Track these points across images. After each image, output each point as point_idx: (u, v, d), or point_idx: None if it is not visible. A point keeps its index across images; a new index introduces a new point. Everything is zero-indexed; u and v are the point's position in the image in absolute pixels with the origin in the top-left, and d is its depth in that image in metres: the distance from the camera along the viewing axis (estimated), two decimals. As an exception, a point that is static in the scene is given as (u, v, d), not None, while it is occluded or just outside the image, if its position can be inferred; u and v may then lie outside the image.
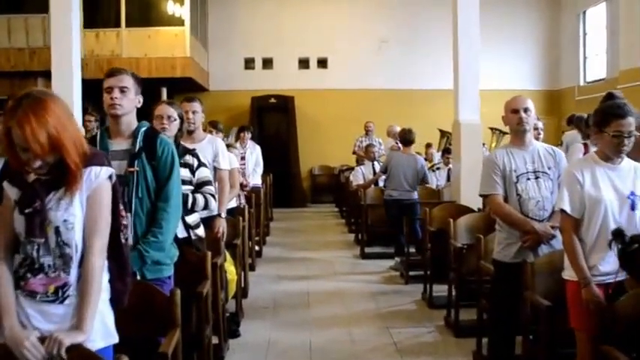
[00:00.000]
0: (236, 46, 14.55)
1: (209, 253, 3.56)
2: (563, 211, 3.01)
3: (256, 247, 8.04)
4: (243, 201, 7.17)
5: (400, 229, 7.10)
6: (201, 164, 3.89)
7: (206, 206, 3.83)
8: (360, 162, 10.85)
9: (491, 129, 11.50)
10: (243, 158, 8.55)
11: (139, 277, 2.81)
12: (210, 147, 4.69)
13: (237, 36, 14.53)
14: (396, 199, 7.16)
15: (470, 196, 6.38)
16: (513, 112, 3.57)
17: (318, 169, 14.70)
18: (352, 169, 11.77)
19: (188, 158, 3.84)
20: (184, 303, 3.14)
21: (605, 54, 13.02)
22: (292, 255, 8.22)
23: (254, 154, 8.65)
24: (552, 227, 3.45)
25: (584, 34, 14.03)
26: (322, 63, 14.72)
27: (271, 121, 14.50)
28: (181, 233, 3.67)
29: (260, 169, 8.70)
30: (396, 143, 8.95)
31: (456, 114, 6.68)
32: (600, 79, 13.16)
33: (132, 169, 2.87)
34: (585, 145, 5.30)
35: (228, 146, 7.29)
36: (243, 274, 5.95)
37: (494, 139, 11.85)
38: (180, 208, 3.01)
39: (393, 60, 14.36)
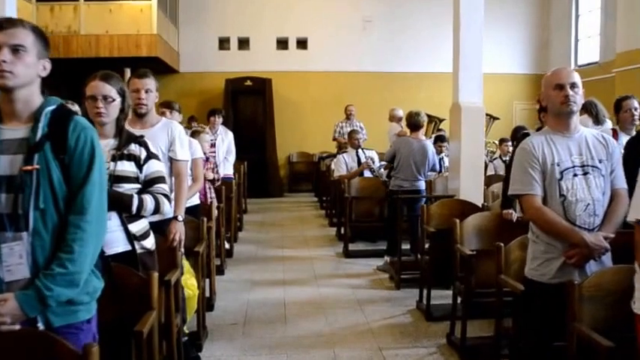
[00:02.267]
0: (209, 25, 13.66)
1: (154, 276, 2.68)
2: (641, 222, 2.23)
3: (227, 245, 7.18)
4: (212, 195, 6.29)
5: (398, 222, 6.29)
6: (151, 155, 3.00)
7: (157, 210, 2.95)
8: (341, 149, 10.02)
9: (486, 115, 10.72)
10: (213, 145, 7.63)
11: (41, 326, 1.94)
12: (165, 133, 3.82)
13: (210, 13, 13.62)
14: (407, 189, 6.39)
15: (471, 190, 5.62)
16: (557, 87, 2.74)
17: (297, 157, 13.85)
18: (333, 156, 10.98)
19: (134, 148, 2.95)
20: (121, 344, 2.32)
21: (599, 36, 12.31)
22: (267, 254, 7.36)
23: (226, 141, 7.73)
24: (605, 238, 2.64)
25: (577, 15, 13.30)
26: (302, 43, 13.86)
27: (247, 105, 13.61)
28: (123, 246, 2.81)
29: (232, 158, 7.79)
30: (402, 128, 8.18)
31: (456, 95, 5.86)
32: (593, 63, 12.48)
33: (29, 168, 1.97)
34: (614, 132, 4.52)
35: (195, 133, 6.45)
36: (209, 281, 5.11)
37: (489, 125, 11.10)
38: (103, 224, 2.09)
39: (378, 41, 13.56)
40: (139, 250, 2.90)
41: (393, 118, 9.36)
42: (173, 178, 3.83)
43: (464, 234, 4.19)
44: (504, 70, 13.56)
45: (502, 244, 3.37)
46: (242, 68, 13.32)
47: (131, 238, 2.86)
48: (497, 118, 11.44)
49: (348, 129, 10.67)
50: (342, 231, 7.83)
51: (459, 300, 4.23)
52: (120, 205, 2.79)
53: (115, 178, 2.83)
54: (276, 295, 5.55)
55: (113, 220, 2.78)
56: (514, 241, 3.39)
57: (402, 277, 5.73)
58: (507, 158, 8.21)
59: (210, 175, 6.33)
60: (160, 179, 3.01)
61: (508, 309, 3.42)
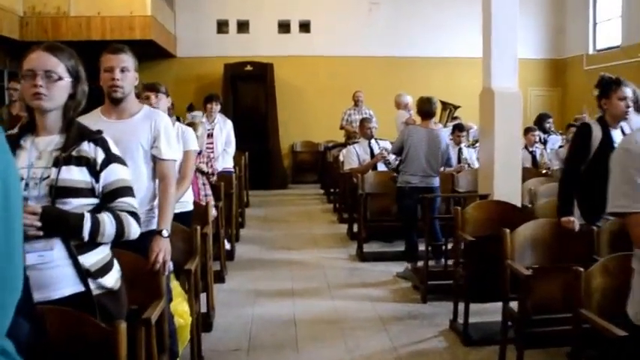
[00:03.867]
0: (207, 7, 12.81)
1: (121, 329, 1.93)
2: None
3: (227, 246, 6.45)
4: (208, 192, 5.54)
5: (414, 226, 5.57)
6: (111, 158, 2.25)
7: (120, 233, 2.22)
8: (350, 139, 9.27)
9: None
10: (210, 136, 6.89)
11: None
12: (147, 125, 3.06)
13: (208, -5, 12.78)
14: (416, 186, 5.58)
15: (508, 188, 4.86)
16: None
17: (301, 146, 13.07)
18: (341, 145, 10.24)
19: (87, 148, 2.20)
20: None
21: (620, 19, 11.48)
22: (273, 256, 6.62)
23: (224, 130, 6.96)
24: None
25: (595, -5, 12.48)
26: (305, 27, 13.03)
27: (247, 92, 12.80)
28: (72, 286, 2.08)
29: (232, 149, 7.01)
30: (411, 116, 7.36)
31: (487, 80, 5.09)
32: (614, 47, 11.64)
33: None
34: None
35: (192, 126, 5.68)
36: (205, 296, 4.38)
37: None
38: (9, 264, 1.31)
39: (385, 23, 12.73)
40: (95, 291, 2.15)
41: (400, 105, 8.52)
42: (157, 182, 3.09)
43: (515, 246, 3.45)
44: (518, 55, 12.70)
45: (582, 269, 2.60)
46: (242, 53, 12.51)
47: (84, 274, 2.11)
48: (458, 107, 10.42)
49: (357, 116, 9.94)
50: (354, 229, 7.11)
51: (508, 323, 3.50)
52: (65, 228, 2.06)
53: (59, 191, 2.09)
54: (285, 310, 4.81)
55: (57, 251, 2.05)
56: (596, 266, 2.64)
57: (429, 287, 5.00)
58: (535, 149, 7.45)
59: (204, 168, 5.57)
60: (125, 191, 2.25)
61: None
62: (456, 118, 8.61)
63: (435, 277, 5.05)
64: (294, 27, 12.97)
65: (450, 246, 5.49)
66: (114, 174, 2.24)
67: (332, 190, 10.06)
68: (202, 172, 5.54)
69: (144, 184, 3.06)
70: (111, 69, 2.97)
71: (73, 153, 2.16)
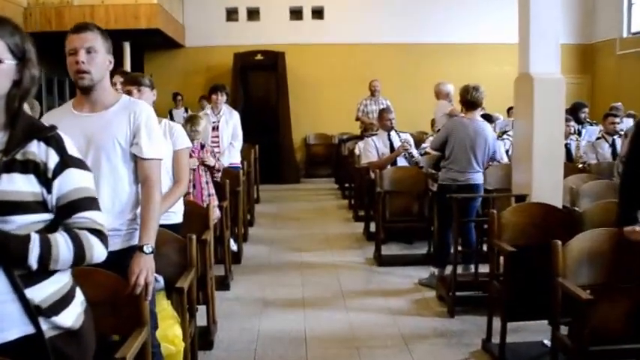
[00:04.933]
0: (216, -6, 12.26)
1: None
2: None
3: (234, 247, 5.95)
4: (211, 191, 5.02)
5: (450, 225, 5.01)
6: (68, 161, 1.71)
7: (80, 257, 1.69)
8: (367, 131, 8.70)
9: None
10: (215, 129, 6.36)
11: None
12: (125, 118, 2.53)
13: (217, -19, 12.26)
14: (463, 184, 5.00)
15: (546, 186, 4.29)
16: None
17: (314, 138, 12.52)
18: (357, 138, 9.68)
19: (34, 150, 1.67)
20: None
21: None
22: (282, 259, 6.09)
23: (230, 123, 6.41)
24: None
25: (630, -25, 11.75)
26: (318, 13, 12.46)
27: (257, 82, 12.30)
28: (18, 328, 1.60)
29: (238, 143, 6.46)
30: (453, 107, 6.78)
31: (524, 64, 4.49)
32: (654, 29, 10.92)
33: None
34: None
35: (192, 119, 5.16)
36: (206, 308, 3.87)
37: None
38: None
39: (403, 8, 12.08)
40: (49, 333, 1.63)
41: (440, 94, 7.65)
42: (139, 186, 2.57)
43: (567, 261, 2.89)
44: None
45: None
46: (252, 41, 11.99)
47: (33, 312, 1.59)
48: None
49: (374, 107, 9.40)
50: (371, 229, 6.57)
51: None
52: (5, 255, 1.54)
53: None
54: (295, 323, 4.29)
55: None
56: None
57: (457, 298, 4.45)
58: (570, 141, 6.83)
59: (211, 161, 5.04)
60: (85, 203, 1.73)
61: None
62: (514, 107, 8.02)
63: (464, 287, 4.49)
64: (307, 13, 12.40)
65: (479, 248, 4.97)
66: (71, 182, 1.71)
67: (347, 185, 9.51)
68: (207, 167, 5.02)
69: (123, 189, 2.55)
70: (74, 51, 2.44)
71: (18, 156, 1.63)
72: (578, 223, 3.70)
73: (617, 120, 6.90)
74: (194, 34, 12.38)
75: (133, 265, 2.38)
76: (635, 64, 11.08)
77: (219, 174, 5.21)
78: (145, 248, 2.42)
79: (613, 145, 6.79)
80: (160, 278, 3.06)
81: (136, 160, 2.55)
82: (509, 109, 9.65)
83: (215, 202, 4.98)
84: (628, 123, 7.41)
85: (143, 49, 12.15)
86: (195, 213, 3.92)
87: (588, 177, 5.26)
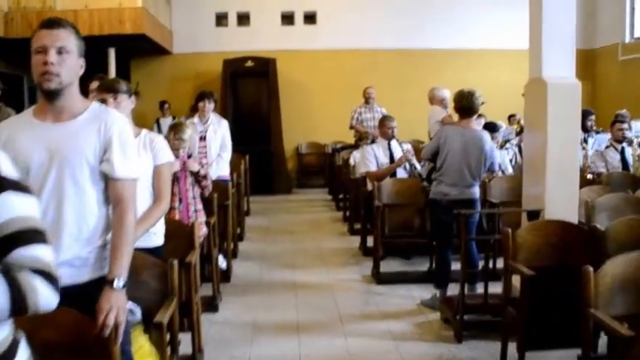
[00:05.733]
0: (205, -1, 11.90)
1: None
2: None
3: (223, 264, 5.58)
4: (197, 206, 4.63)
5: (449, 244, 4.67)
6: (4, 184, 1.36)
7: (19, 307, 1.33)
8: (362, 140, 8.36)
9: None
10: (203, 139, 5.99)
11: None
12: (94, 129, 2.18)
13: (206, -14, 11.91)
14: (455, 199, 4.61)
15: (561, 200, 3.96)
16: None
17: (306, 147, 12.17)
18: (351, 147, 9.34)
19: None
20: None
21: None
22: (274, 277, 5.72)
23: (219, 132, 6.03)
24: None
25: (632, -21, 11.48)
26: (310, 18, 12.13)
27: (248, 89, 11.92)
28: None
29: (227, 154, 6.07)
30: (448, 114, 6.39)
31: (536, 69, 4.16)
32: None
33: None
34: None
35: (177, 127, 4.77)
36: (192, 337, 3.49)
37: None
38: None
39: (398, 13, 11.76)
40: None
41: (434, 100, 7.12)
42: (109, 208, 2.21)
43: (599, 288, 2.55)
44: None
45: None
46: (242, 47, 11.62)
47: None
48: (483, 102, 9.49)
49: (369, 115, 9.09)
50: (369, 244, 6.23)
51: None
52: None
53: None
54: (289, 350, 3.93)
55: None
56: None
57: (464, 321, 4.10)
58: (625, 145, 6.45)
59: (195, 167, 4.63)
60: (27, 236, 1.38)
61: None
62: (480, 115, 7.62)
63: (472, 310, 4.14)
64: (299, 18, 12.06)
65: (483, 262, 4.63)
66: (6, 210, 1.36)
67: (341, 197, 9.15)
68: (194, 176, 4.60)
69: (91, 212, 2.19)
70: (43, 49, 2.09)
71: None
72: (601, 243, 3.37)
73: (625, 126, 6.60)
74: (182, 39, 12.02)
75: (101, 303, 2.02)
76: (639, 69, 10.80)
77: (208, 182, 4.77)
78: (115, 282, 2.07)
79: (622, 153, 6.50)
80: (137, 310, 2.69)
81: (107, 180, 2.19)
82: (510, 117, 9.37)
83: (202, 218, 4.61)
84: (637, 127, 7.11)
85: (129, 56, 11.78)
86: (179, 232, 3.56)
87: (602, 189, 4.94)
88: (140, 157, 2.97)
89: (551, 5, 4.02)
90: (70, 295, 2.11)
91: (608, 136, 6.77)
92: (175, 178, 4.42)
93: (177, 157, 4.44)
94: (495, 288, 4.19)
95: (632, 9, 11.34)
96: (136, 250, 2.46)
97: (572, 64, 4.12)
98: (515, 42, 11.59)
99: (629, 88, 10.74)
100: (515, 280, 3.47)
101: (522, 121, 8.68)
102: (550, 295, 3.20)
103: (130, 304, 2.50)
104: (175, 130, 4.59)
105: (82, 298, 2.09)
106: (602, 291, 2.55)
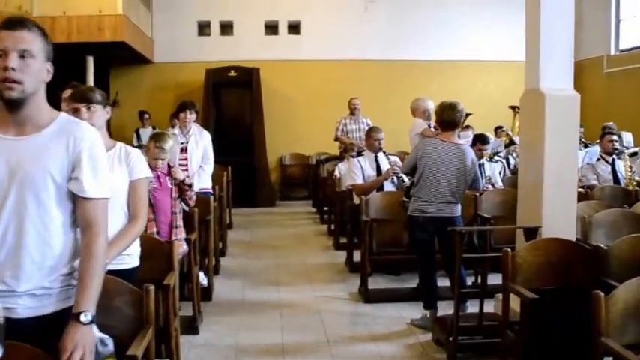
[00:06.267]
0: (188, 7, 11.70)
1: None
2: None
3: (204, 282, 5.36)
4: (178, 222, 4.38)
5: (432, 264, 4.50)
6: None
7: None
8: (347, 152, 8.18)
9: (513, 107, 8.88)
10: (184, 151, 5.77)
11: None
12: (62, 144, 1.96)
13: (189, -6, 11.67)
14: (434, 216, 4.42)
15: (559, 217, 3.79)
16: None
17: (290, 159, 11.95)
18: (336, 159, 9.18)
19: None
20: None
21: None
22: (258, 296, 5.47)
23: (200, 144, 5.81)
24: None
25: (619, -10, 11.44)
26: (294, 28, 11.94)
27: (231, 100, 11.72)
28: None
29: (209, 167, 5.86)
30: (431, 127, 6.19)
31: (533, 79, 4.01)
32: (643, 46, 10.58)
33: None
34: None
35: (158, 137, 4.50)
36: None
37: (516, 120, 9.19)
38: None
39: (383, 23, 11.66)
40: None
41: (417, 112, 6.67)
42: (77, 232, 1.99)
43: (611, 314, 2.37)
44: (523, 57, 11.54)
45: None
46: (225, 57, 11.41)
47: None
48: (470, 114, 9.40)
49: (354, 126, 8.94)
50: (355, 258, 6.03)
51: None
52: None
53: None
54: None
55: None
56: None
57: (459, 343, 3.91)
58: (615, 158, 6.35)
59: (180, 175, 4.39)
60: None
61: None
62: (468, 127, 7.47)
63: (466, 332, 3.95)
64: (283, 28, 11.87)
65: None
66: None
67: (326, 209, 8.94)
68: (179, 184, 4.34)
69: (57, 236, 1.97)
70: (4, 52, 1.87)
71: None
72: (603, 262, 3.21)
73: (615, 138, 6.52)
74: (164, 48, 11.76)
75: (65, 340, 1.80)
76: (624, 82, 10.74)
77: (193, 193, 4.50)
78: (82, 317, 1.84)
79: (613, 166, 6.42)
80: (109, 341, 2.45)
81: (75, 200, 1.96)
82: (497, 129, 9.25)
83: (182, 235, 4.36)
84: (627, 138, 7.02)
85: (109, 64, 11.53)
86: (157, 251, 3.33)
87: (598, 204, 4.78)
88: (114, 172, 2.75)
89: (549, 14, 3.87)
90: (31, 328, 1.90)
91: (598, 148, 6.68)
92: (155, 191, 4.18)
93: (156, 167, 4.19)
94: (487, 305, 4.03)
95: (618, 21, 11.31)
96: (109, 272, 2.25)
97: (570, 75, 3.98)
98: (502, 53, 11.59)
99: (614, 101, 10.69)
100: (514, 301, 3.29)
101: (510, 133, 8.63)
102: (551, 317, 3.03)
103: (101, 334, 2.28)
104: (157, 139, 4.31)
105: (44, 332, 1.88)
106: (613, 318, 2.37)
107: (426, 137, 5.54)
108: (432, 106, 6.19)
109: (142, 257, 3.09)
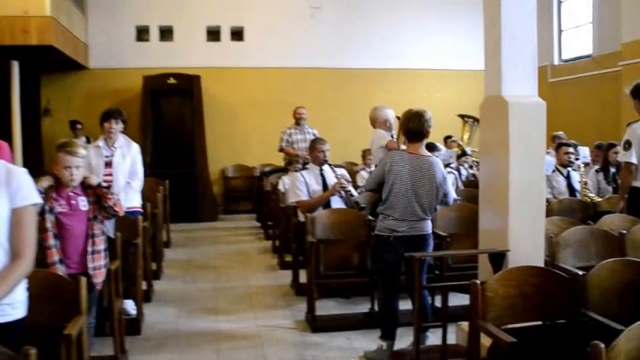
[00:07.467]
0: (125, 11, 11.07)
1: None
2: None
3: (132, 311, 4.78)
4: (98, 247, 3.78)
5: (396, 289, 4.05)
6: None
7: None
8: (292, 164, 7.72)
9: (462, 116, 8.55)
10: (109, 165, 5.17)
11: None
12: None
13: (127, -3, 11.03)
14: (406, 235, 3.99)
15: (526, 237, 3.41)
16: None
17: (233, 171, 11.39)
18: (280, 171, 8.69)
19: None
20: None
21: (592, 25, 10.44)
22: (193, 326, 4.91)
23: (128, 157, 5.22)
24: None
25: (559, 2, 11.44)
26: (237, 34, 11.43)
27: (170, 108, 11.12)
28: None
29: (138, 183, 5.27)
30: (393, 137, 5.72)
31: (494, 86, 3.63)
32: (584, 56, 10.57)
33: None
34: None
35: (65, 147, 3.81)
36: None
37: (465, 130, 8.87)
38: None
39: (330, 31, 11.28)
40: None
41: (376, 122, 5.97)
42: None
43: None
44: (469, 66, 11.27)
45: None
46: (164, 64, 10.81)
47: None
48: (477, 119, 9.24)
49: (299, 136, 8.50)
50: (301, 280, 5.55)
51: None
52: None
53: None
54: None
55: None
56: None
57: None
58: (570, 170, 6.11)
59: (93, 180, 3.78)
60: None
61: None
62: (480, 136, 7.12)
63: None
64: (225, 34, 11.33)
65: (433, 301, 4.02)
66: None
67: (270, 224, 8.43)
68: (95, 194, 3.69)
69: None
70: None
71: None
72: (583, 292, 2.82)
73: (572, 150, 6.28)
74: (99, 54, 11.05)
75: None
76: (568, 91, 10.73)
77: (115, 196, 3.85)
78: None
79: (568, 177, 6.19)
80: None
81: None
82: (447, 138, 8.94)
83: (102, 260, 3.75)
84: (584, 152, 6.81)
85: (39, 70, 10.75)
86: (59, 292, 2.75)
87: (562, 220, 4.44)
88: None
89: (511, 18, 3.51)
90: None
91: (553, 159, 6.43)
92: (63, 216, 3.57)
93: (71, 183, 3.57)
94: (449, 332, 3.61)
95: (560, 31, 11.32)
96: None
97: (534, 81, 3.62)
98: (449, 62, 11.40)
99: (558, 110, 10.56)
100: (484, 338, 2.86)
101: (461, 143, 8.30)
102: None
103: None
104: (66, 144, 3.64)
105: None
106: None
107: (391, 149, 5.09)
108: (392, 114, 5.75)
109: (37, 300, 2.51)
